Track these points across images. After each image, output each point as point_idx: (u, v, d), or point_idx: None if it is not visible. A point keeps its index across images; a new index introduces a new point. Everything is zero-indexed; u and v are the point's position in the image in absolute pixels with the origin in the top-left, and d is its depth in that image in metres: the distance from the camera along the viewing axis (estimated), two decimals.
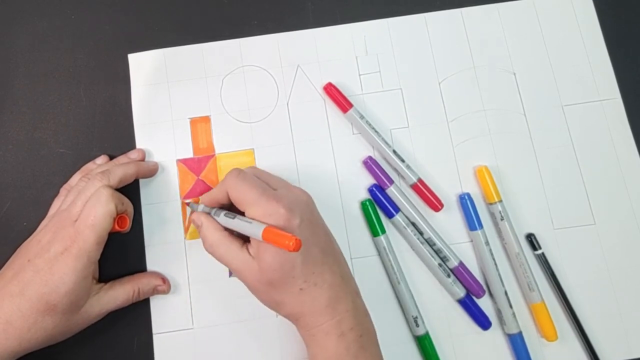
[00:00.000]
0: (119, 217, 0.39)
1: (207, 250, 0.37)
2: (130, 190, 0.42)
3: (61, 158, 0.45)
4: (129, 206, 0.41)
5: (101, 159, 0.43)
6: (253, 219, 0.35)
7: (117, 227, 0.39)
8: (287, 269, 0.34)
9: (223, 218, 0.37)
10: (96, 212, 0.36)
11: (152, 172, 0.43)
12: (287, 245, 0.31)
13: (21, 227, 0.43)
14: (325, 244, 0.37)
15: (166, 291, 0.41)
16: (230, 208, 0.38)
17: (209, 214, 0.39)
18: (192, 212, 0.40)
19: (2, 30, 0.47)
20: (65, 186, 0.43)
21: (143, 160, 0.44)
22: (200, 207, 0.39)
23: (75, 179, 0.43)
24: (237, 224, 0.36)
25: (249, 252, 0.35)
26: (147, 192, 0.44)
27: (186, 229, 0.43)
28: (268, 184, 0.37)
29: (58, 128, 0.45)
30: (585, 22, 0.47)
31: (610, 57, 0.47)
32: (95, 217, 0.36)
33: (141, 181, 0.44)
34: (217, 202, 0.39)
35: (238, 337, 0.41)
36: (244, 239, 0.37)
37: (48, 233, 0.37)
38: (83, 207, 0.37)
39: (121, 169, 0.40)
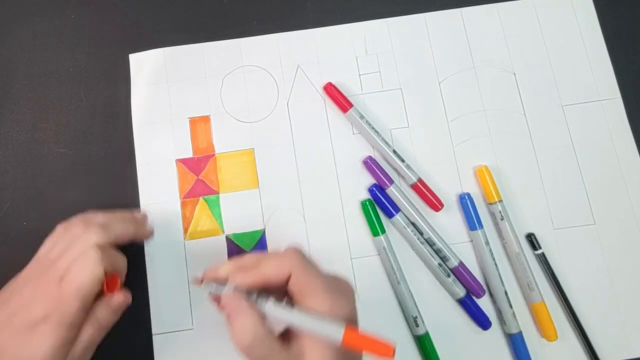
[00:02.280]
0: (110, 276, 0.35)
1: (240, 350, 0.30)
2: (129, 191, 0.42)
3: (61, 158, 0.45)
4: (121, 265, 0.37)
5: (102, 216, 0.39)
6: (318, 312, 0.30)
7: (106, 290, 0.35)
8: None
9: (273, 307, 0.30)
10: (82, 278, 0.33)
11: (146, 238, 0.42)
12: (385, 352, 0.26)
13: (21, 227, 0.43)
14: None
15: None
16: (261, 292, 0.32)
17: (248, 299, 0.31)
18: (213, 294, 0.32)
19: (2, 30, 0.47)
20: (64, 224, 0.39)
21: (145, 222, 0.42)
22: (230, 287, 0.31)
23: (74, 221, 0.39)
24: (300, 318, 0.29)
25: (289, 349, 0.30)
26: (147, 192, 0.44)
27: (186, 230, 0.43)
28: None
29: (58, 128, 0.45)
30: (585, 22, 0.47)
31: (610, 57, 0.47)
32: (81, 283, 0.33)
33: (140, 181, 0.44)
34: (264, 282, 0.32)
35: None
36: (280, 334, 0.32)
37: (30, 285, 0.35)
38: (70, 265, 0.34)
39: (121, 226, 0.38)
